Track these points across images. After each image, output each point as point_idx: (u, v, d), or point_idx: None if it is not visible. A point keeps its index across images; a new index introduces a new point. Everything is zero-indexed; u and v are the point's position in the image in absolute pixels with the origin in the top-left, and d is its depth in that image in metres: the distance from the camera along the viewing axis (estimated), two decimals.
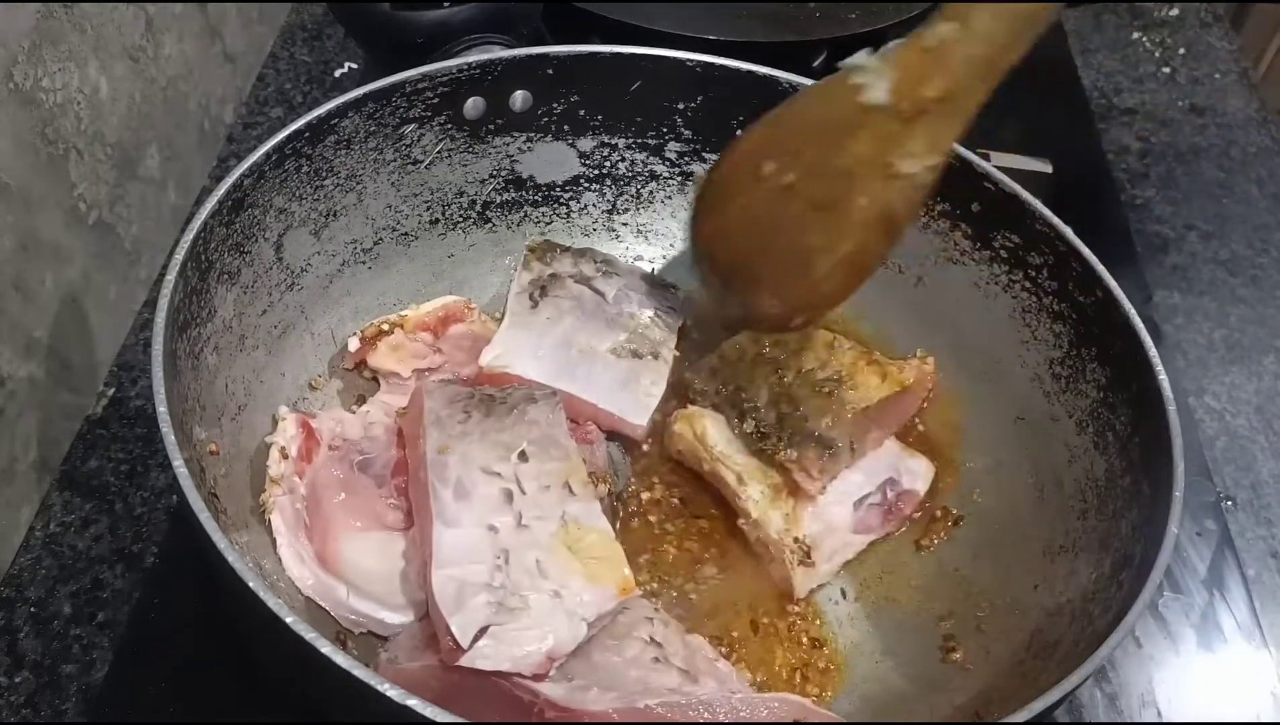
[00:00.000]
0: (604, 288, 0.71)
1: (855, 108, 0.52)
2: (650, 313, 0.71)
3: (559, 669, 0.50)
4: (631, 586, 0.53)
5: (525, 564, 0.53)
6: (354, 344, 0.67)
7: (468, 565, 0.52)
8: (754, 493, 0.63)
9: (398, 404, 0.65)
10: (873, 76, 0.51)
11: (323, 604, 0.55)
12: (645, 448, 0.69)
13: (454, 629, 0.50)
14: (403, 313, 0.69)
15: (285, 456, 0.59)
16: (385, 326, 0.68)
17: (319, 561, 0.56)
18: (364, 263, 0.70)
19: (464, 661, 0.49)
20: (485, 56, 0.69)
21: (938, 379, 0.70)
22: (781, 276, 0.59)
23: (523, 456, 0.57)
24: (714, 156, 0.75)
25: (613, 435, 0.67)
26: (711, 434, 0.66)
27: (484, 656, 0.49)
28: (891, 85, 0.51)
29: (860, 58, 0.52)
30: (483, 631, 0.50)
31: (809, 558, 0.62)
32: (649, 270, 0.78)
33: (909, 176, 0.53)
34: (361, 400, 0.67)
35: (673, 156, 0.76)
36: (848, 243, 0.56)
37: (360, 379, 0.69)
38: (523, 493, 0.56)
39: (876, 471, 0.66)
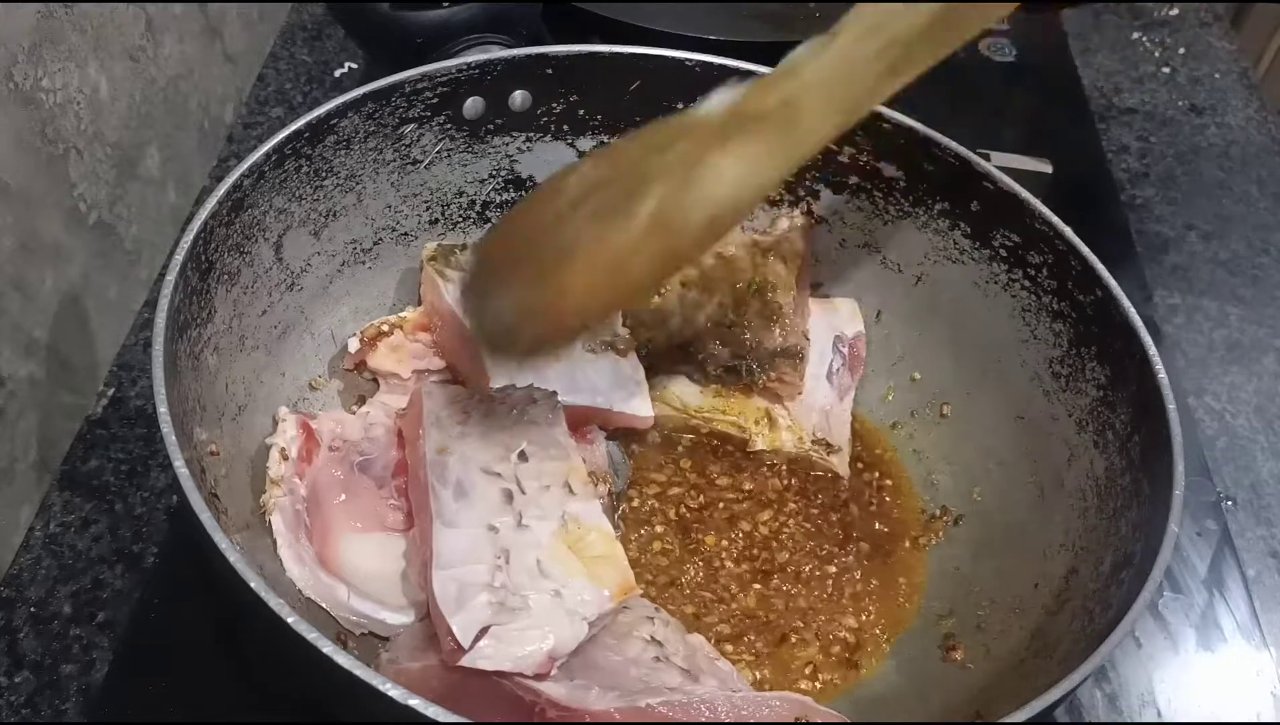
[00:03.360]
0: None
1: (685, 121, 0.48)
2: None
3: (560, 669, 0.50)
4: (632, 586, 0.53)
5: (526, 564, 0.52)
6: (354, 345, 0.67)
7: (468, 566, 0.52)
8: (755, 429, 0.69)
9: (398, 405, 0.65)
10: (718, 96, 0.48)
11: (323, 605, 0.55)
12: (647, 440, 0.69)
13: (455, 629, 0.49)
14: (402, 314, 0.69)
15: (285, 458, 0.59)
16: (385, 328, 0.68)
17: (320, 562, 0.56)
18: (364, 263, 0.70)
19: (465, 662, 0.49)
20: (485, 56, 0.69)
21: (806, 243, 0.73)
22: (534, 280, 0.49)
23: (522, 456, 0.57)
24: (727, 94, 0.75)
25: (614, 434, 0.67)
26: (685, 398, 0.69)
27: (485, 657, 0.49)
28: (731, 98, 0.48)
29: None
30: (484, 631, 0.50)
31: (830, 446, 0.68)
32: None
33: (706, 182, 0.46)
34: (361, 401, 0.67)
35: None
36: (617, 243, 0.47)
37: (360, 380, 0.69)
38: (523, 492, 0.55)
39: (823, 339, 0.71)
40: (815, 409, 0.70)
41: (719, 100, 0.48)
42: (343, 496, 0.59)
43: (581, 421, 0.65)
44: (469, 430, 0.58)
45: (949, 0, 0.47)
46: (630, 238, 0.47)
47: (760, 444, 0.69)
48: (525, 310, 0.50)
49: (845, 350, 0.71)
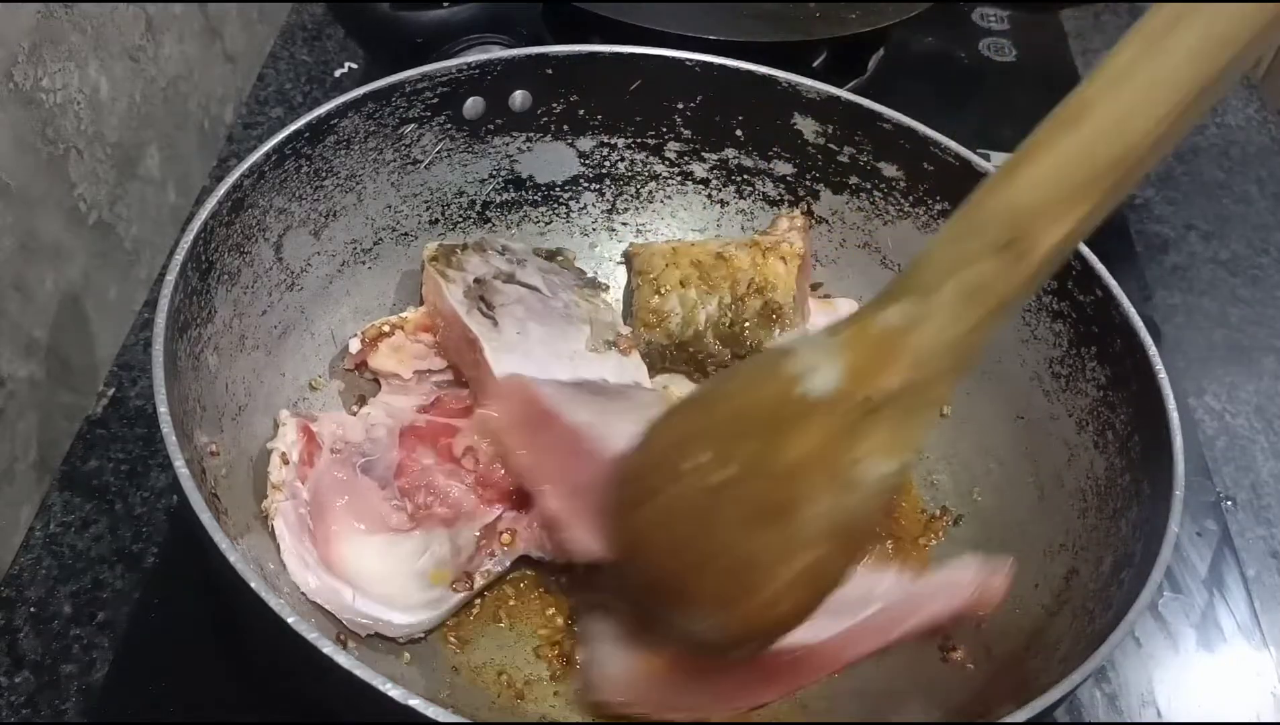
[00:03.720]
0: (532, 281, 0.69)
1: (790, 400, 0.42)
2: (584, 294, 0.71)
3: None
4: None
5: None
6: (355, 345, 0.67)
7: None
8: None
9: (399, 405, 0.65)
10: (814, 361, 0.42)
11: (328, 607, 0.55)
12: None
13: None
14: (404, 314, 0.69)
15: (286, 462, 0.58)
16: (386, 328, 0.67)
17: (324, 565, 0.56)
18: (364, 263, 0.70)
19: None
20: (485, 56, 0.69)
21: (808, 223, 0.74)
22: (720, 596, 0.45)
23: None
24: (713, 156, 0.75)
25: None
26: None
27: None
28: (840, 374, 0.41)
29: (794, 337, 0.48)
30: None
31: None
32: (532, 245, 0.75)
33: (867, 483, 0.42)
34: (362, 401, 0.67)
35: (672, 156, 0.76)
36: (799, 559, 0.44)
37: (361, 380, 0.69)
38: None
39: None
40: None
41: (821, 378, 0.42)
42: (346, 498, 0.59)
43: None
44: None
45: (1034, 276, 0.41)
46: (817, 548, 0.43)
47: None
48: (736, 633, 0.47)
49: None
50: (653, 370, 0.69)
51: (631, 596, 0.51)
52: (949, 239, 0.41)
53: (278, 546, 0.55)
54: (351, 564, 0.57)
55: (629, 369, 0.67)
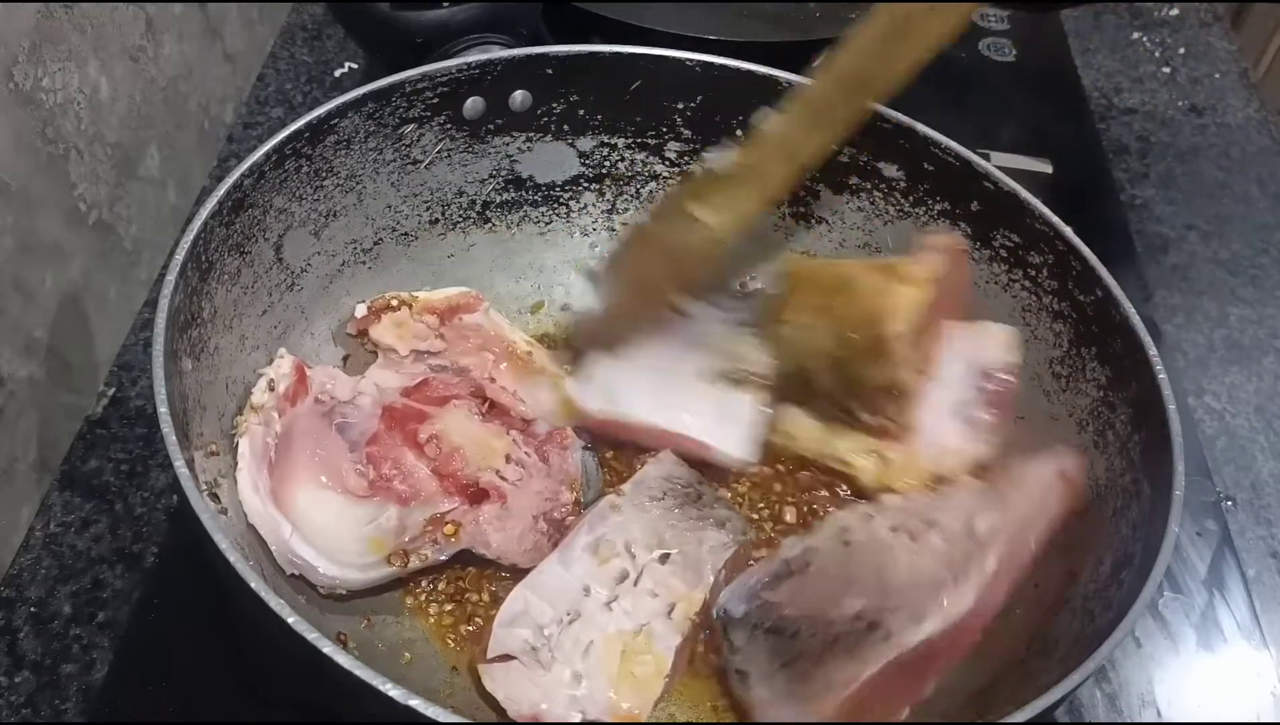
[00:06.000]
0: (688, 307, 0.69)
1: (695, 176, 0.63)
2: (733, 326, 0.69)
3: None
4: (637, 721, 0.53)
5: (580, 637, 0.54)
6: (360, 310, 0.67)
7: (543, 602, 0.55)
8: (862, 464, 0.64)
9: (390, 381, 0.65)
10: (717, 155, 0.62)
11: (264, 536, 0.54)
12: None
13: (491, 639, 0.53)
14: (415, 293, 0.69)
15: (271, 389, 0.59)
16: (395, 302, 0.68)
17: (272, 497, 0.56)
18: (364, 263, 0.70)
19: (480, 668, 0.52)
20: (485, 56, 0.69)
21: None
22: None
23: (663, 559, 0.58)
24: (713, 156, 0.75)
25: (590, 445, 0.66)
26: (796, 431, 0.66)
27: (492, 678, 0.52)
28: (727, 157, 0.61)
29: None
30: (508, 659, 0.52)
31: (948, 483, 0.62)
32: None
33: (701, 224, 0.62)
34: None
35: (673, 156, 0.76)
36: (653, 260, 0.66)
37: (362, 351, 0.68)
38: (634, 585, 0.57)
39: (959, 369, 0.65)
40: (937, 447, 0.63)
41: (715, 160, 0.62)
42: (313, 446, 0.60)
43: (669, 446, 0.64)
44: (651, 508, 0.60)
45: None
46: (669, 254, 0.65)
47: (867, 481, 0.64)
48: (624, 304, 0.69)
49: (984, 383, 0.64)
50: (775, 402, 0.67)
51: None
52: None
53: (235, 463, 0.55)
54: (300, 507, 0.57)
55: (737, 405, 0.66)
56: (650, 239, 0.67)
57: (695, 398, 0.66)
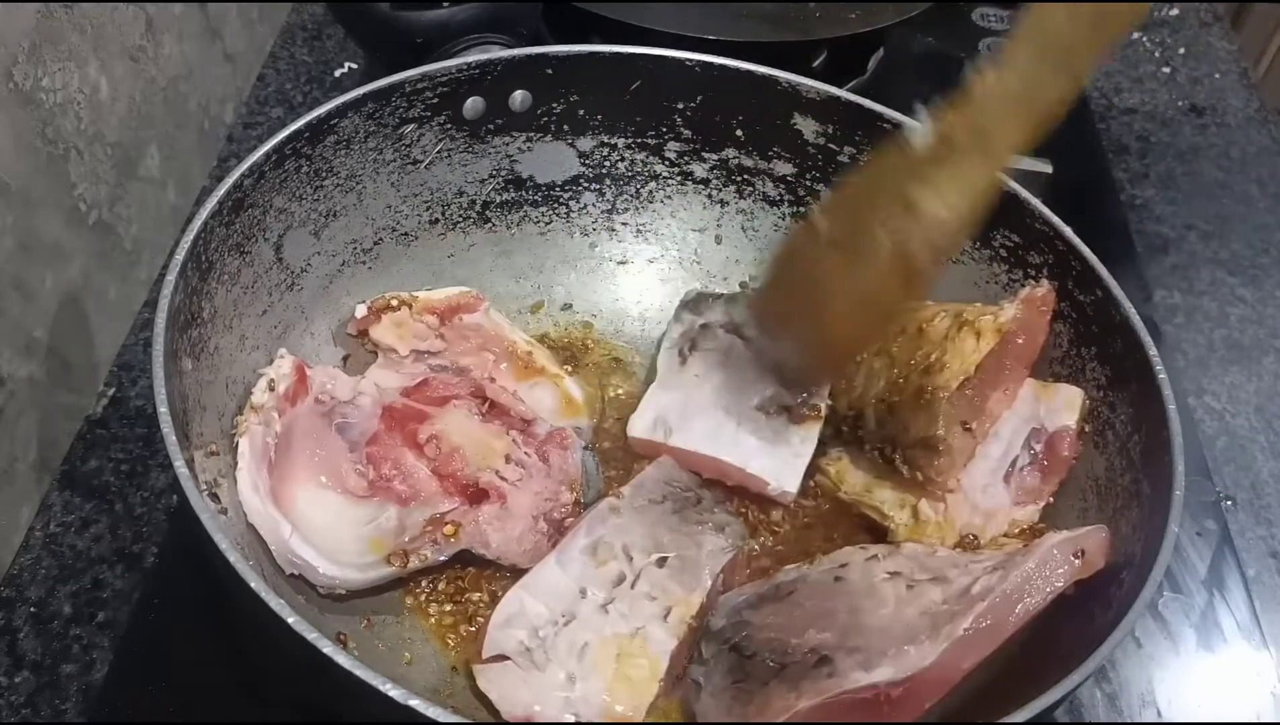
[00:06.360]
0: (753, 335, 0.68)
1: (898, 157, 0.54)
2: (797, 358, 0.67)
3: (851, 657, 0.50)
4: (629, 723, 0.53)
5: (575, 639, 0.54)
6: (361, 311, 0.67)
7: (539, 602, 0.55)
8: (897, 518, 0.62)
9: (390, 381, 0.65)
10: (920, 126, 0.53)
11: (264, 535, 0.54)
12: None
13: (486, 639, 0.53)
14: (415, 293, 0.69)
15: (272, 389, 0.59)
16: (395, 302, 0.68)
17: (271, 497, 0.56)
18: (364, 263, 0.70)
19: (475, 669, 0.53)
20: (485, 56, 0.69)
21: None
22: (806, 320, 0.60)
23: (661, 562, 0.58)
24: (713, 156, 0.75)
25: (589, 447, 0.66)
26: (843, 473, 0.65)
27: (487, 678, 0.52)
28: (930, 129, 0.52)
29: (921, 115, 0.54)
30: (503, 659, 0.52)
31: (979, 545, 0.59)
32: None
33: (929, 214, 0.52)
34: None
35: (672, 156, 0.76)
36: (862, 282, 0.55)
37: (362, 351, 0.68)
38: (631, 588, 0.57)
39: (1015, 429, 0.62)
40: (979, 511, 0.61)
41: (916, 135, 0.53)
42: (313, 447, 0.60)
43: (714, 473, 0.64)
44: (650, 511, 0.60)
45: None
46: (877, 273, 0.54)
47: (901, 535, 0.62)
48: (804, 351, 0.61)
49: (1038, 447, 0.61)
50: (832, 440, 0.66)
51: (770, 340, 0.64)
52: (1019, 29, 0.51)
53: (235, 463, 0.55)
54: (299, 506, 0.57)
55: (789, 437, 0.65)
56: (838, 252, 0.56)
57: (750, 428, 0.65)
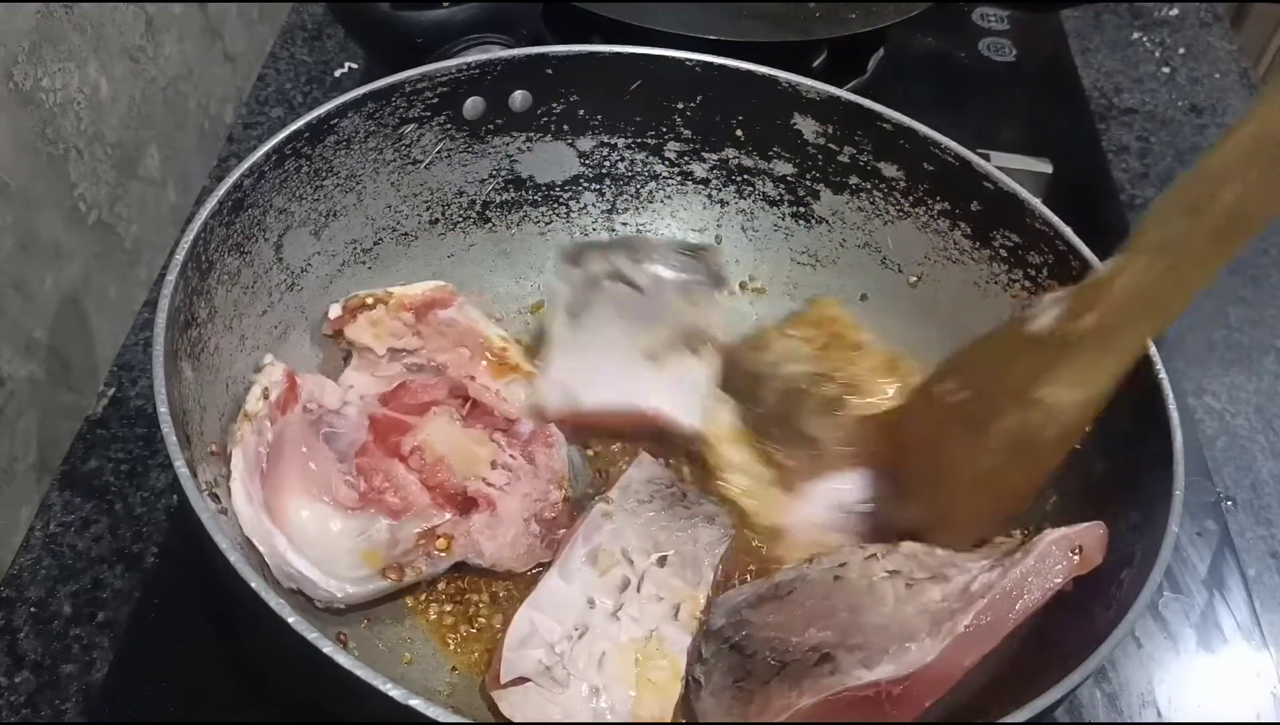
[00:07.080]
0: (638, 278, 0.69)
1: (1020, 337, 0.54)
2: (686, 294, 0.70)
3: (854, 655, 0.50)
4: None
5: (592, 650, 0.54)
6: (335, 311, 0.67)
7: (550, 619, 0.55)
8: (738, 481, 0.64)
9: (365, 382, 0.65)
10: (1044, 308, 0.53)
11: (259, 547, 0.54)
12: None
13: (503, 663, 0.52)
14: (389, 289, 0.68)
15: (266, 397, 0.59)
16: (369, 301, 0.67)
17: (265, 508, 0.56)
18: (364, 263, 0.70)
19: (494, 694, 0.52)
20: (485, 56, 0.69)
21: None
22: (927, 488, 0.60)
23: (662, 562, 0.58)
24: (713, 156, 0.75)
25: (573, 438, 0.66)
26: (723, 435, 0.66)
27: (510, 703, 0.52)
28: (1055, 317, 0.52)
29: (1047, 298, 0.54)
30: (522, 681, 0.52)
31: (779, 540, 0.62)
32: (677, 239, 0.77)
33: (1049, 406, 0.53)
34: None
35: (672, 156, 0.76)
36: (983, 462, 0.56)
37: (336, 350, 0.68)
38: (637, 591, 0.57)
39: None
40: (804, 519, 0.64)
41: (1045, 318, 0.53)
42: (303, 458, 0.59)
43: (624, 424, 0.65)
44: (641, 512, 0.60)
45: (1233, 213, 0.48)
46: (997, 457, 0.55)
47: (732, 494, 0.64)
48: (927, 520, 0.59)
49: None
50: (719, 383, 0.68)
51: (886, 495, 0.62)
52: (1154, 209, 0.50)
53: (229, 473, 0.55)
54: (290, 518, 0.57)
55: (691, 377, 0.66)
56: (958, 428, 0.57)
57: (650, 372, 0.66)
